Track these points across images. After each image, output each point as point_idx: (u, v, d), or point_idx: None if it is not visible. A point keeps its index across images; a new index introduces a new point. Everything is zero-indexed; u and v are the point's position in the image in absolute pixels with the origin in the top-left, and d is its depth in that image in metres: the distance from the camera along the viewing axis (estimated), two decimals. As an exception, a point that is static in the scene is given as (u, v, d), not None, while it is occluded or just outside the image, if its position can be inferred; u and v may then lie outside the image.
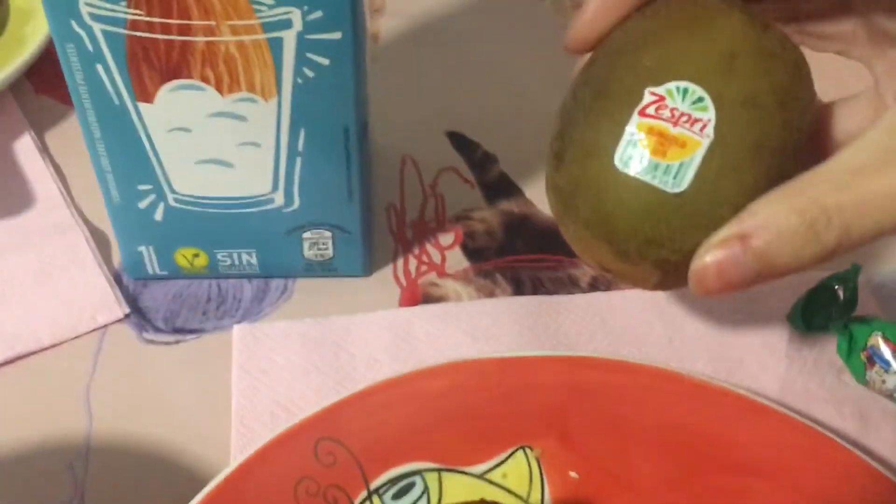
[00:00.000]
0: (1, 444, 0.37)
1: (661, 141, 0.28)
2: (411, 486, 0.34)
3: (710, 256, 0.28)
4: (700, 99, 0.28)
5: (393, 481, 0.34)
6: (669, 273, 0.30)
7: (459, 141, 0.52)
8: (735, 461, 0.34)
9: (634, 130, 0.29)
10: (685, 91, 0.29)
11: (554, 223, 0.48)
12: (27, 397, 0.39)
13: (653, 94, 0.29)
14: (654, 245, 0.29)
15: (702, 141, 0.28)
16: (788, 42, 0.31)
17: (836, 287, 0.41)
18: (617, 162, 0.29)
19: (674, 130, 0.28)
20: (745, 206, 0.27)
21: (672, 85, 0.29)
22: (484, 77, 0.57)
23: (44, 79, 0.54)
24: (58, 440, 0.37)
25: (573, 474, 0.35)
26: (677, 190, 0.28)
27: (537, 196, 0.49)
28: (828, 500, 0.32)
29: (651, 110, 0.29)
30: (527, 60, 0.58)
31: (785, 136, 0.29)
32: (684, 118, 0.28)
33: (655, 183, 0.28)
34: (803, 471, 0.34)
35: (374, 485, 0.34)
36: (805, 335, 0.42)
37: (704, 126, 0.28)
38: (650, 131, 0.28)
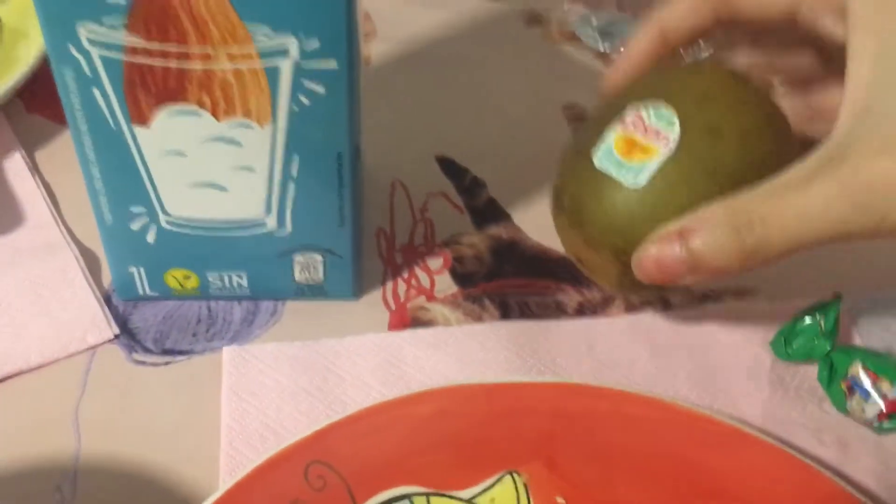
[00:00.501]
0: (-12, 465, 0.37)
1: (629, 146, 0.35)
2: (400, 510, 0.34)
3: (653, 248, 0.34)
4: (671, 121, 0.35)
5: (382, 505, 0.34)
6: (627, 269, 0.36)
7: (449, 166, 0.53)
8: (718, 488, 0.35)
9: (612, 137, 0.36)
10: (659, 113, 0.35)
11: (541, 249, 0.49)
12: (15, 417, 0.39)
13: (634, 113, 0.36)
14: (612, 232, 0.36)
15: (662, 151, 0.35)
16: (768, 99, 0.37)
17: (818, 316, 0.42)
18: (595, 160, 0.36)
19: (642, 140, 0.35)
20: (685, 208, 0.34)
21: (650, 107, 0.36)
22: (473, 103, 0.57)
23: (35, 98, 0.54)
24: (45, 461, 0.37)
25: (560, 500, 0.35)
26: (635, 186, 0.35)
27: (525, 221, 0.50)
28: (809, 527, 0.33)
29: (629, 124, 0.36)
30: (516, 86, 0.59)
31: (743, 170, 0.34)
32: (653, 132, 0.35)
33: (619, 177, 0.35)
34: (784, 497, 0.34)
35: (363, 509, 0.34)
36: (787, 363, 0.43)
37: (668, 141, 0.35)
38: (623, 139, 0.36)
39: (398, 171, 0.52)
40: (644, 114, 0.36)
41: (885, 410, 0.39)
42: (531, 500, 0.35)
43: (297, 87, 0.35)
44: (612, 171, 0.35)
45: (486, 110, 0.57)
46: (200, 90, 0.35)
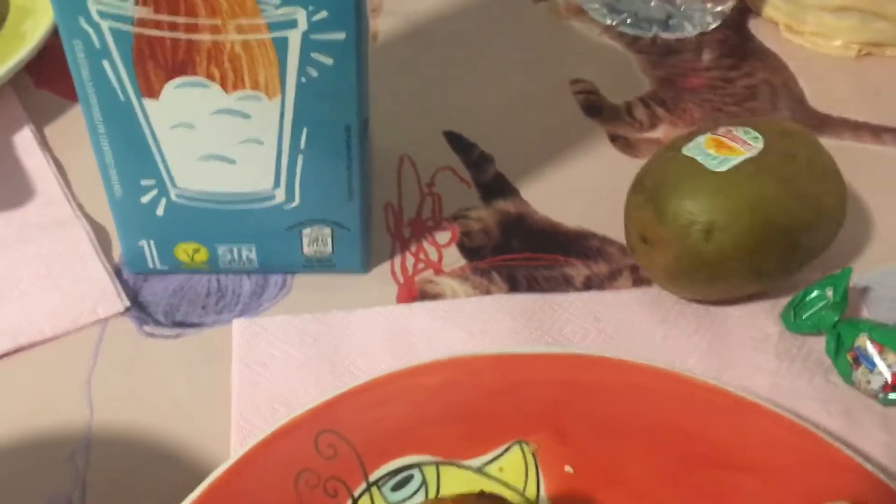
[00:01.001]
0: (2, 435, 0.37)
1: (717, 145, 0.41)
2: (409, 478, 0.35)
3: None
4: (756, 137, 0.41)
5: (392, 474, 0.35)
6: (689, 248, 0.40)
7: (456, 141, 0.53)
8: (725, 457, 0.35)
9: (703, 138, 0.42)
10: (747, 131, 0.42)
11: (549, 223, 0.49)
12: (29, 389, 0.39)
13: (725, 128, 0.42)
14: (688, 206, 0.40)
15: (745, 152, 0.41)
16: (832, 164, 0.43)
17: (828, 289, 0.42)
18: (684, 150, 0.42)
19: (729, 143, 0.41)
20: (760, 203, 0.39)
21: (740, 126, 0.43)
22: (480, 78, 0.57)
23: (43, 73, 0.54)
24: (59, 432, 0.38)
25: (568, 469, 0.35)
26: (717, 169, 0.40)
27: (533, 196, 0.50)
28: (814, 495, 0.33)
29: (719, 133, 0.42)
30: (523, 61, 0.59)
31: (809, 191, 0.41)
32: (740, 140, 0.41)
33: (704, 162, 0.40)
34: (790, 467, 0.35)
35: (373, 477, 0.34)
36: (795, 335, 0.43)
37: (752, 148, 0.41)
38: (712, 139, 0.42)
39: (406, 145, 0.52)
40: (734, 129, 0.42)
41: (890, 382, 0.39)
42: (539, 469, 0.35)
43: (305, 59, 0.35)
44: (699, 158, 0.41)
45: (494, 85, 0.57)
46: (209, 62, 0.35)
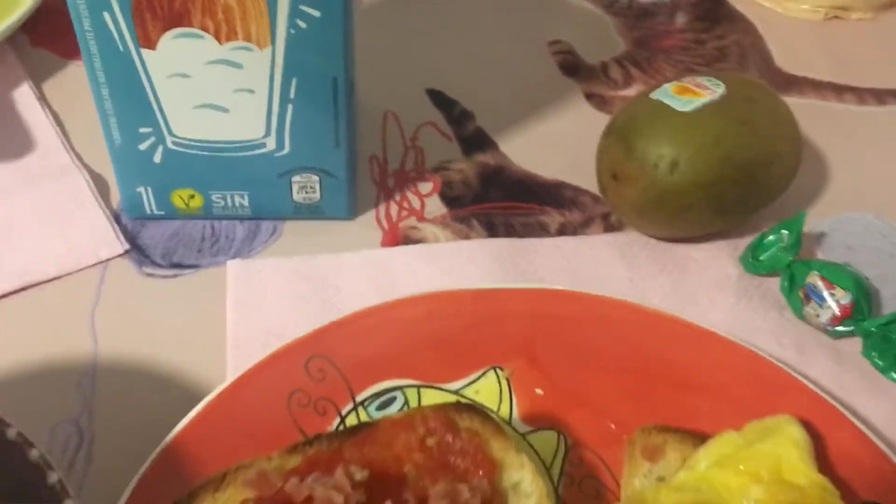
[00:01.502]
0: (14, 365, 0.40)
1: (683, 90, 0.45)
2: (393, 399, 0.37)
3: None
4: (718, 84, 0.45)
5: (377, 395, 0.37)
6: (655, 181, 0.43)
7: (438, 98, 0.56)
8: (682, 379, 0.38)
9: (670, 86, 0.45)
10: (710, 79, 0.45)
11: (526, 174, 0.51)
12: (37, 323, 0.42)
13: (690, 78, 0.46)
14: (657, 141, 0.43)
15: (708, 96, 0.44)
16: (788, 113, 0.46)
17: (783, 232, 0.45)
18: (651, 95, 0.45)
19: (693, 88, 0.45)
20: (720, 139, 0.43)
21: (704, 76, 0.46)
22: (462, 39, 0.60)
23: (39, 33, 0.57)
24: (66, 362, 0.40)
25: (539, 391, 0.38)
26: (682, 110, 0.43)
27: (511, 149, 0.53)
28: (761, 412, 0.36)
29: (685, 81, 0.46)
30: (504, 23, 0.61)
31: (768, 133, 0.44)
32: (703, 87, 0.44)
33: (669, 103, 0.44)
34: (741, 387, 0.38)
35: (359, 398, 0.37)
36: (753, 276, 0.46)
37: (715, 93, 0.44)
38: (678, 86, 0.45)
39: (390, 102, 0.55)
40: (698, 78, 0.46)
41: (838, 315, 0.42)
42: (512, 391, 0.38)
43: (294, 12, 0.38)
44: (666, 101, 0.44)
45: (475, 46, 0.59)
46: (204, 14, 0.38)
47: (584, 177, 0.50)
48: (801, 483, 0.32)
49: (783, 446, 0.33)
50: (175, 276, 0.44)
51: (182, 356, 0.41)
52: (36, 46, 0.56)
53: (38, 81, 0.54)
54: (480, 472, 0.31)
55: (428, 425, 0.31)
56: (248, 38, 0.39)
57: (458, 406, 0.32)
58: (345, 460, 0.30)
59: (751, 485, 0.32)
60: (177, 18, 0.38)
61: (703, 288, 0.45)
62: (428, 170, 0.51)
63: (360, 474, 0.29)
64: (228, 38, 0.38)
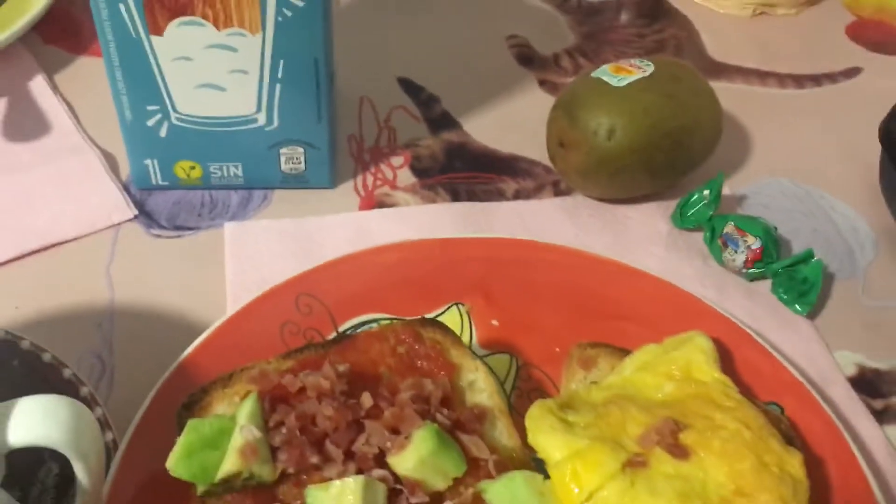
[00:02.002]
0: (43, 310, 0.46)
1: (618, 69, 0.52)
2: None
3: None
4: (648, 64, 0.52)
5: (357, 326, 0.44)
6: (596, 146, 0.50)
7: (408, 85, 0.62)
8: (616, 311, 0.45)
9: (607, 67, 0.52)
10: (643, 61, 0.53)
11: (486, 150, 0.58)
12: (60, 276, 0.48)
13: (625, 60, 0.53)
14: (597, 111, 0.50)
15: (639, 74, 0.51)
16: (709, 88, 0.54)
17: (705, 191, 0.52)
18: (591, 74, 0.52)
19: (627, 67, 0.52)
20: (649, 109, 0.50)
21: (637, 59, 0.53)
22: (430, 34, 0.67)
23: (51, 32, 0.63)
24: (87, 307, 0.46)
25: (494, 322, 0.45)
26: (617, 85, 0.50)
27: (473, 129, 0.60)
28: (681, 332, 0.43)
29: (621, 62, 0.53)
30: (467, 20, 0.68)
31: (690, 105, 0.51)
32: (635, 67, 0.52)
33: (607, 80, 0.51)
34: (666, 316, 0.44)
35: (342, 328, 0.44)
36: (682, 231, 0.53)
37: (645, 72, 0.51)
38: (615, 66, 0.52)
39: (366, 89, 0.61)
40: (632, 60, 0.53)
41: (749, 258, 0.49)
42: (472, 323, 0.45)
43: (281, 2, 0.44)
44: (604, 77, 0.51)
45: (441, 40, 0.67)
46: (205, 4, 0.44)
47: (537, 151, 0.57)
48: (706, 380, 0.39)
49: (693, 353, 0.40)
50: (179, 236, 0.51)
51: (187, 302, 0.47)
52: (48, 43, 0.62)
53: (50, 74, 0.60)
54: (442, 373, 0.37)
55: (398, 336, 0.38)
56: (241, 25, 0.45)
57: (423, 321, 0.39)
58: (330, 361, 0.36)
59: (665, 382, 0.39)
60: (182, 8, 0.44)
61: (639, 241, 0.52)
62: (399, 146, 0.58)
63: (343, 367, 0.35)
64: (225, 25, 0.45)
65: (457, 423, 0.36)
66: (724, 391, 0.39)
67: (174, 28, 0.45)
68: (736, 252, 0.49)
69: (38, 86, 0.59)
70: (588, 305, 0.45)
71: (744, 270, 0.49)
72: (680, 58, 0.67)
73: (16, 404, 0.31)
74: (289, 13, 0.45)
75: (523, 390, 0.43)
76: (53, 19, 0.62)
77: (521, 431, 0.37)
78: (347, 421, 0.34)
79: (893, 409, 0.45)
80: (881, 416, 0.45)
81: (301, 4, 0.45)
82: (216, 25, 0.45)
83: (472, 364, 0.38)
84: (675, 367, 0.39)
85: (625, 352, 0.42)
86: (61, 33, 0.63)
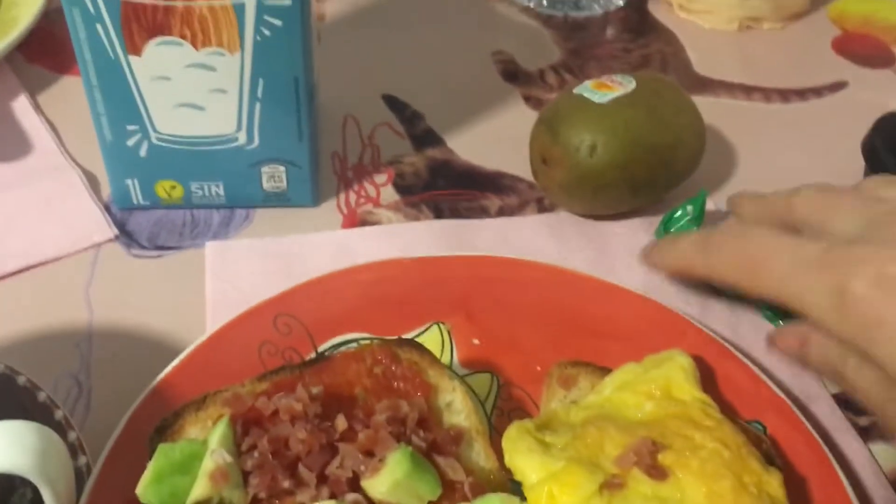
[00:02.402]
0: (21, 331, 0.46)
1: (599, 85, 0.52)
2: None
3: None
4: (630, 80, 0.52)
5: (336, 346, 0.44)
6: (578, 163, 0.50)
7: (392, 102, 0.62)
8: (598, 328, 0.45)
9: (589, 83, 0.52)
10: (625, 77, 0.52)
11: (469, 166, 0.58)
12: (39, 296, 0.48)
13: (607, 76, 0.53)
14: (579, 128, 0.50)
15: (621, 90, 0.51)
16: (692, 104, 0.53)
17: (689, 207, 0.52)
18: (574, 91, 0.52)
19: (609, 83, 0.52)
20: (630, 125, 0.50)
21: (619, 75, 0.53)
22: (414, 50, 0.67)
23: (34, 51, 0.63)
24: (65, 328, 0.46)
25: (475, 341, 0.45)
26: (599, 102, 0.50)
27: (457, 145, 0.59)
28: (662, 350, 0.43)
29: (602, 78, 0.53)
30: (452, 37, 0.68)
31: (673, 122, 0.51)
32: (617, 83, 0.52)
33: (590, 97, 0.51)
34: (647, 333, 0.44)
35: (321, 348, 0.43)
36: (666, 247, 0.52)
37: (626, 88, 0.51)
38: (596, 83, 0.52)
39: (350, 107, 0.61)
40: (614, 76, 0.53)
41: None
42: (453, 342, 0.45)
43: (259, 21, 0.44)
44: (586, 94, 0.51)
45: (426, 56, 0.66)
46: (182, 24, 0.44)
47: (521, 168, 0.57)
48: (686, 399, 0.39)
49: (672, 371, 0.40)
50: (159, 256, 0.50)
51: (166, 322, 0.47)
52: (31, 63, 0.62)
53: (33, 94, 0.60)
54: (419, 394, 0.37)
55: (375, 357, 0.38)
56: (220, 45, 0.45)
57: (400, 341, 0.39)
58: (304, 383, 0.36)
59: (644, 401, 0.38)
60: (159, 28, 0.44)
61: (622, 258, 0.52)
62: (383, 163, 0.58)
63: (316, 389, 0.35)
64: (204, 45, 0.45)
65: (433, 444, 0.35)
66: (703, 410, 0.38)
67: (152, 48, 0.45)
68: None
69: (21, 105, 0.58)
70: (570, 323, 0.45)
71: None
72: (666, 73, 0.67)
73: (-17, 430, 0.30)
74: (267, 32, 0.45)
75: (504, 410, 0.43)
76: (37, 39, 0.62)
77: (500, 452, 0.37)
78: (321, 444, 0.34)
79: (878, 427, 0.45)
80: (866, 434, 0.45)
81: (279, 24, 0.45)
82: (194, 45, 0.45)
83: (449, 384, 0.38)
84: (655, 385, 0.39)
85: (606, 370, 0.42)
86: (45, 53, 0.63)
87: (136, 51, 0.45)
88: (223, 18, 0.44)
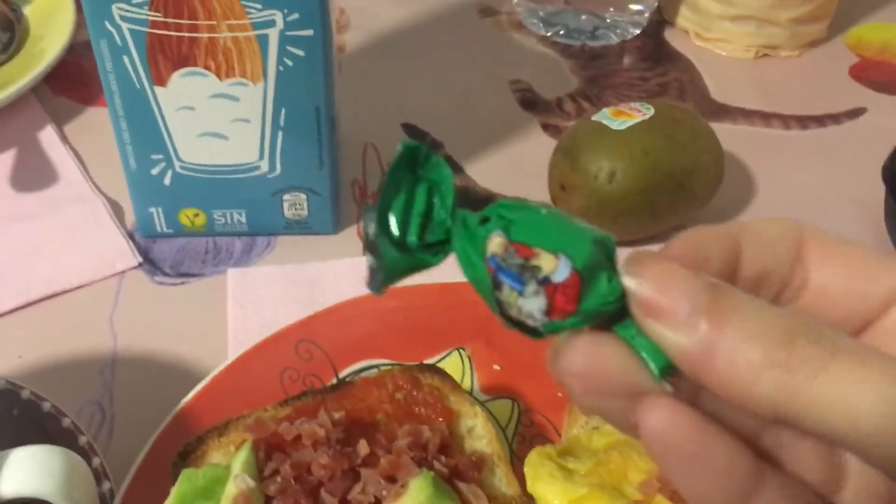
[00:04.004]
0: (46, 358, 0.46)
1: (618, 113, 0.52)
2: (370, 374, 0.44)
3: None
4: (648, 108, 0.52)
5: (357, 372, 0.44)
6: (596, 189, 0.50)
7: (412, 130, 0.63)
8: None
9: (607, 110, 0.52)
10: (643, 104, 0.52)
11: (488, 193, 0.59)
12: (64, 323, 0.48)
13: (625, 104, 0.53)
14: (598, 154, 0.50)
15: (639, 117, 0.51)
16: (710, 130, 0.53)
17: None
18: (592, 118, 0.52)
19: (627, 111, 0.52)
20: (649, 151, 0.50)
21: (637, 102, 0.53)
22: (433, 80, 0.68)
23: (60, 83, 0.64)
24: (89, 354, 0.47)
25: (496, 367, 0.45)
26: (618, 129, 0.50)
27: (476, 173, 0.60)
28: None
29: (620, 105, 0.53)
30: (470, 66, 0.69)
31: (690, 149, 0.51)
32: (635, 110, 0.52)
33: (608, 124, 0.51)
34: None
35: (342, 374, 0.44)
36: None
37: (644, 115, 0.51)
38: (615, 110, 0.52)
39: (370, 135, 0.62)
40: (632, 103, 0.53)
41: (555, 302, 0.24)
42: (473, 368, 0.45)
43: (282, 52, 0.45)
44: (604, 121, 0.51)
45: (444, 85, 0.67)
46: (207, 55, 0.45)
47: (540, 195, 0.57)
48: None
49: (695, 397, 0.39)
50: (182, 283, 0.51)
51: (189, 349, 0.47)
52: (57, 95, 0.64)
53: (59, 124, 0.61)
54: (440, 419, 0.37)
55: (396, 382, 0.38)
56: (244, 75, 0.46)
57: (421, 367, 0.39)
58: (326, 408, 0.36)
59: (667, 427, 0.38)
60: (184, 60, 0.45)
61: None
62: (403, 191, 0.58)
63: (338, 414, 0.35)
64: (228, 75, 0.46)
65: (454, 470, 0.35)
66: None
67: (177, 79, 0.46)
68: (519, 293, 0.24)
69: (48, 136, 0.60)
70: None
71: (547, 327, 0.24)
72: (683, 100, 0.67)
73: (9, 455, 0.31)
74: (290, 63, 0.46)
75: (525, 436, 0.43)
76: (63, 71, 0.64)
77: (522, 478, 0.37)
78: (343, 469, 0.34)
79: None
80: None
81: (302, 54, 0.45)
82: (218, 76, 0.46)
83: (471, 410, 0.38)
84: (678, 411, 0.39)
85: (627, 396, 0.41)
86: (71, 84, 0.64)
87: (162, 82, 0.46)
88: (247, 49, 0.45)
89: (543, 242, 0.23)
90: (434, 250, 0.24)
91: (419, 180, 0.23)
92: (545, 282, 0.23)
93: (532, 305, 0.24)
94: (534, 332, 0.24)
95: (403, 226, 0.24)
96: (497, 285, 0.24)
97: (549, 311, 0.24)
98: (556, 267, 0.23)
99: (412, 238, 0.24)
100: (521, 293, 0.23)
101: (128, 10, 0.43)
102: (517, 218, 0.23)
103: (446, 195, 0.23)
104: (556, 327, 0.24)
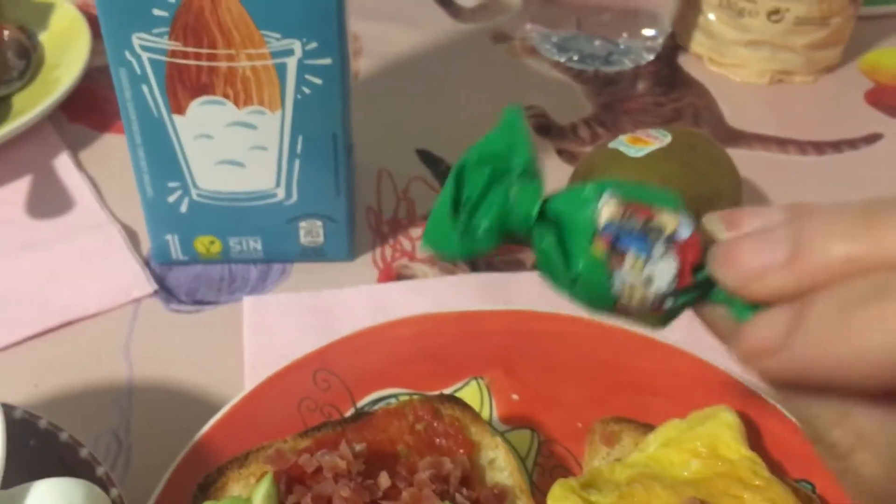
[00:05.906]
0: (62, 387, 0.46)
1: (635, 140, 0.52)
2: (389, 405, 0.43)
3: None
4: (665, 134, 0.52)
5: (374, 402, 0.43)
6: None
7: (426, 156, 0.63)
8: (639, 384, 0.44)
9: (624, 137, 0.52)
10: (659, 131, 0.52)
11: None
12: (79, 352, 0.48)
13: (642, 130, 0.53)
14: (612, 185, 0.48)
15: (656, 144, 0.51)
16: (726, 156, 0.53)
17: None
18: (609, 145, 0.52)
19: (644, 137, 0.52)
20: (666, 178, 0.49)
21: (653, 129, 0.53)
22: (447, 105, 0.68)
23: (75, 111, 0.64)
24: (105, 384, 0.46)
25: (515, 397, 0.44)
26: (635, 156, 0.50)
27: (491, 199, 0.60)
28: (705, 406, 0.42)
29: (637, 132, 0.53)
30: (484, 92, 0.69)
31: (707, 175, 0.51)
32: (652, 137, 0.52)
33: (625, 151, 0.51)
34: (689, 389, 0.43)
35: (360, 404, 0.43)
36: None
37: (661, 142, 0.51)
38: (631, 136, 0.52)
39: (384, 161, 0.62)
40: (649, 130, 0.53)
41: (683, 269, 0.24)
42: (492, 397, 0.44)
43: (300, 80, 0.45)
44: (621, 148, 0.51)
45: (459, 111, 0.67)
46: (226, 84, 0.45)
47: (556, 220, 0.57)
48: (733, 457, 0.38)
49: (719, 428, 0.39)
50: (197, 311, 0.51)
51: (205, 378, 0.47)
52: (73, 122, 0.64)
53: (75, 151, 0.61)
54: (461, 451, 0.36)
55: (416, 413, 0.37)
56: (261, 103, 0.46)
57: (441, 397, 0.38)
58: (347, 439, 0.36)
59: (690, 459, 0.38)
60: (203, 88, 0.45)
61: (661, 311, 0.51)
62: (418, 217, 0.58)
63: (359, 446, 0.35)
64: (245, 104, 0.46)
65: (476, 503, 0.35)
66: (752, 469, 0.37)
67: (196, 107, 0.46)
68: (646, 258, 0.23)
69: (63, 163, 0.60)
70: (610, 379, 0.45)
71: (671, 301, 0.23)
72: (698, 126, 0.67)
73: (31, 488, 0.30)
74: (308, 91, 0.46)
75: (545, 467, 0.42)
76: (79, 98, 0.64)
77: (544, 511, 0.36)
78: (364, 502, 0.33)
79: (931, 485, 0.44)
80: (919, 493, 0.43)
81: (320, 83, 0.45)
82: (237, 104, 0.46)
83: (492, 441, 0.37)
84: (701, 443, 0.38)
85: (649, 427, 0.41)
86: (86, 111, 0.64)
87: (180, 110, 0.46)
88: (265, 78, 0.45)
89: (656, 200, 0.21)
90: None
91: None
92: (671, 241, 0.21)
93: (662, 270, 0.22)
94: (657, 315, 0.22)
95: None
96: (618, 258, 0.22)
97: (680, 274, 0.22)
98: (678, 225, 0.22)
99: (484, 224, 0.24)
100: (648, 258, 0.22)
101: (148, 40, 0.43)
102: (613, 184, 0.21)
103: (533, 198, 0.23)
104: (682, 301, 0.22)
